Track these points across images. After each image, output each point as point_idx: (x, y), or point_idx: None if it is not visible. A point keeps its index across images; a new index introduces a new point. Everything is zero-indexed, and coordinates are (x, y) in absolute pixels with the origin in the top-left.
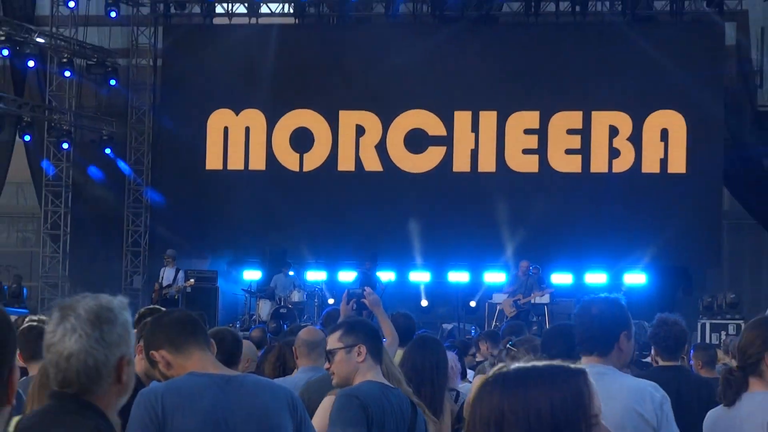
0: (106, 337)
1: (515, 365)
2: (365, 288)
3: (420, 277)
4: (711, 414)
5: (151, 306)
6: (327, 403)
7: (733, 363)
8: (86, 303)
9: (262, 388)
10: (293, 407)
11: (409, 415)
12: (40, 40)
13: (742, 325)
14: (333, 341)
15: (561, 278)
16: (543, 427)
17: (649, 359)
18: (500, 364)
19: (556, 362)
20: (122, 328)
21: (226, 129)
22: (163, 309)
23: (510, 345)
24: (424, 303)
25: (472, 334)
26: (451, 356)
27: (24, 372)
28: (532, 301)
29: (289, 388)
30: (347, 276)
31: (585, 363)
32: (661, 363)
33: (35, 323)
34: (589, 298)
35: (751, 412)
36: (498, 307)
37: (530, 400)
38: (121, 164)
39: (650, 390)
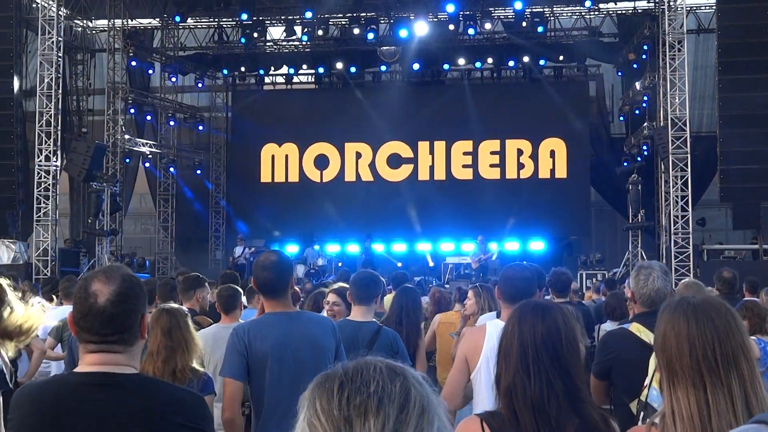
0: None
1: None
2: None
3: (398, 247)
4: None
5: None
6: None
7: (597, 297)
8: None
9: (313, 320)
10: (334, 332)
11: (370, 335)
12: (154, 102)
13: (606, 274)
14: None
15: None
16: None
17: (549, 297)
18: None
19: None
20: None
21: (272, 156)
22: (236, 273)
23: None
24: (399, 264)
25: (433, 284)
26: (424, 299)
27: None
28: (482, 260)
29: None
30: (353, 248)
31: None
32: (556, 300)
33: (169, 280)
34: (517, 264)
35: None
36: (464, 263)
37: (537, 327)
38: (207, 183)
39: None
